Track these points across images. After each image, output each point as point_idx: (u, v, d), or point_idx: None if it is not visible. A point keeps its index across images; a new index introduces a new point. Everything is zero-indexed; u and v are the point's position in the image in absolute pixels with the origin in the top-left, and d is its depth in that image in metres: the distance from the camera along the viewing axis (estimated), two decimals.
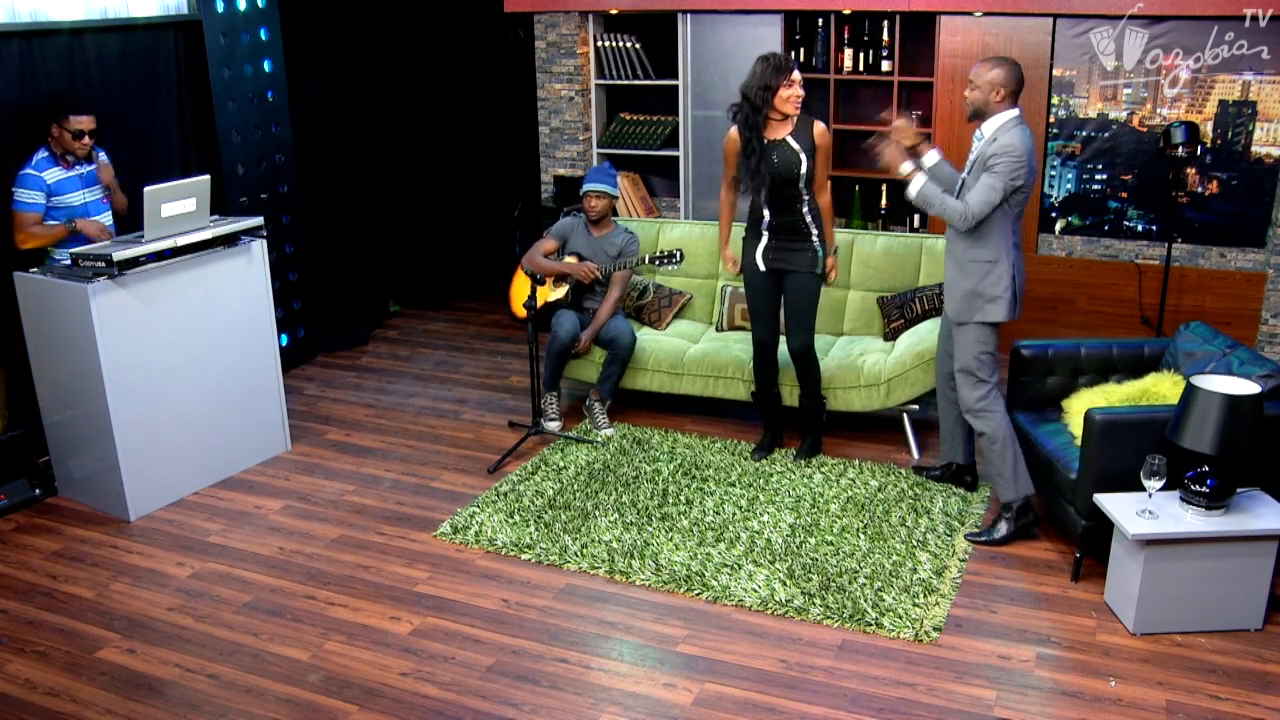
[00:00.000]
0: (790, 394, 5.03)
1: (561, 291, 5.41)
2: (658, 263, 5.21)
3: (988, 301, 4.05)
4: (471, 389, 6.03)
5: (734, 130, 4.56)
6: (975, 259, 4.05)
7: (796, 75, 4.44)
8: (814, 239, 4.60)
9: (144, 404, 4.49)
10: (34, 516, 4.60)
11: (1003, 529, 4.18)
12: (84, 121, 4.53)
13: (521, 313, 5.34)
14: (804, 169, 4.49)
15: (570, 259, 5.35)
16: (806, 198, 4.56)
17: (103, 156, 4.78)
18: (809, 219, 4.57)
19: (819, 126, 4.55)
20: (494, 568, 4.12)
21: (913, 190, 4.08)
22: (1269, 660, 3.44)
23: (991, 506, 4.43)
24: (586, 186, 5.33)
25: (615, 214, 5.54)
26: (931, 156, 4.23)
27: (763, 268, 4.68)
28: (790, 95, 4.43)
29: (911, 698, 3.30)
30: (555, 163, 6.98)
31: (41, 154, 4.56)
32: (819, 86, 6.34)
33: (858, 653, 3.53)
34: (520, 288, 5.51)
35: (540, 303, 5.28)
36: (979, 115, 4.03)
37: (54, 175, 4.56)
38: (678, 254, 5.21)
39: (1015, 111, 3.97)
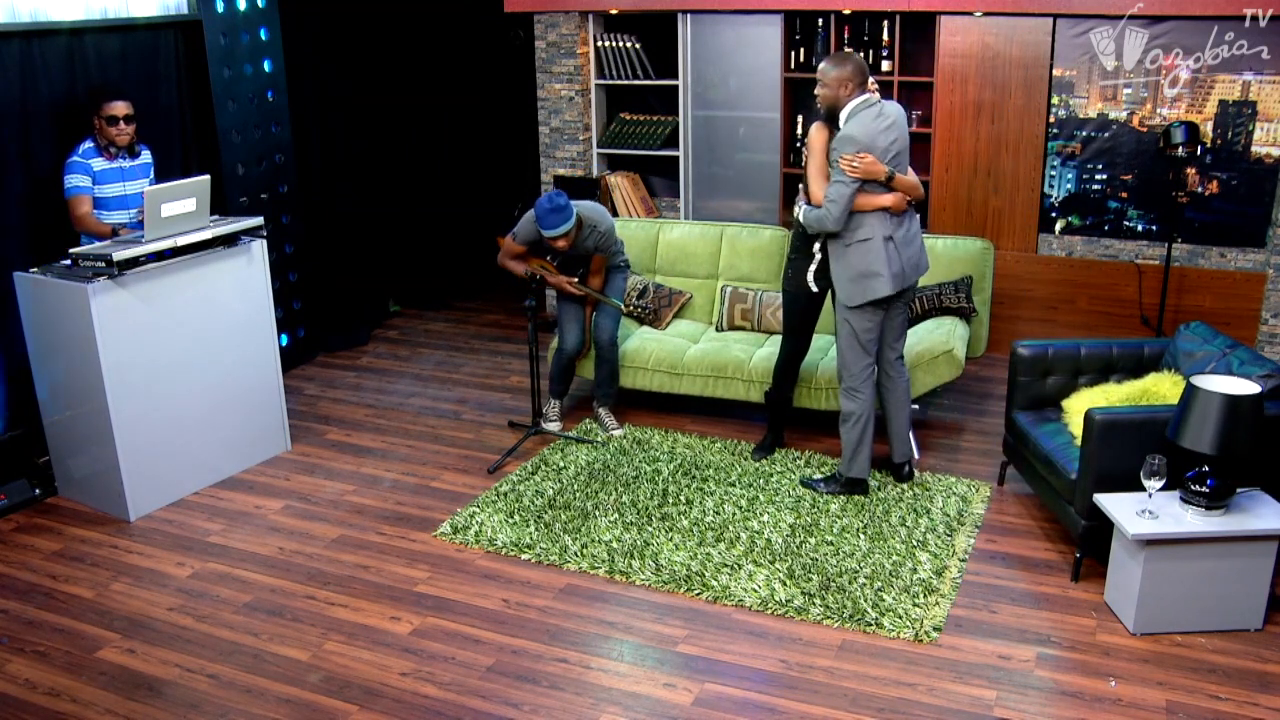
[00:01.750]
0: (802, 397, 5.00)
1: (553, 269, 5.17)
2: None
3: (873, 279, 4.22)
4: (471, 389, 6.03)
5: (819, 123, 4.37)
6: (853, 240, 4.23)
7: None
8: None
9: (144, 404, 4.49)
10: (34, 516, 4.60)
11: (832, 487, 4.57)
12: (117, 107, 4.70)
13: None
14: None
15: (548, 276, 5.14)
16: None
17: (146, 155, 4.93)
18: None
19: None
20: (494, 568, 4.12)
21: (796, 209, 4.35)
22: (1269, 660, 3.44)
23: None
24: (547, 234, 4.85)
25: (580, 225, 5.03)
26: (800, 205, 4.38)
27: (815, 289, 4.58)
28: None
29: (911, 698, 3.30)
30: (555, 163, 6.97)
31: (87, 144, 4.74)
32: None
33: (858, 653, 3.53)
34: (513, 252, 5.21)
35: (539, 273, 5.11)
36: (831, 112, 4.23)
37: (98, 164, 4.73)
38: (628, 263, 5.29)
39: (858, 99, 4.17)
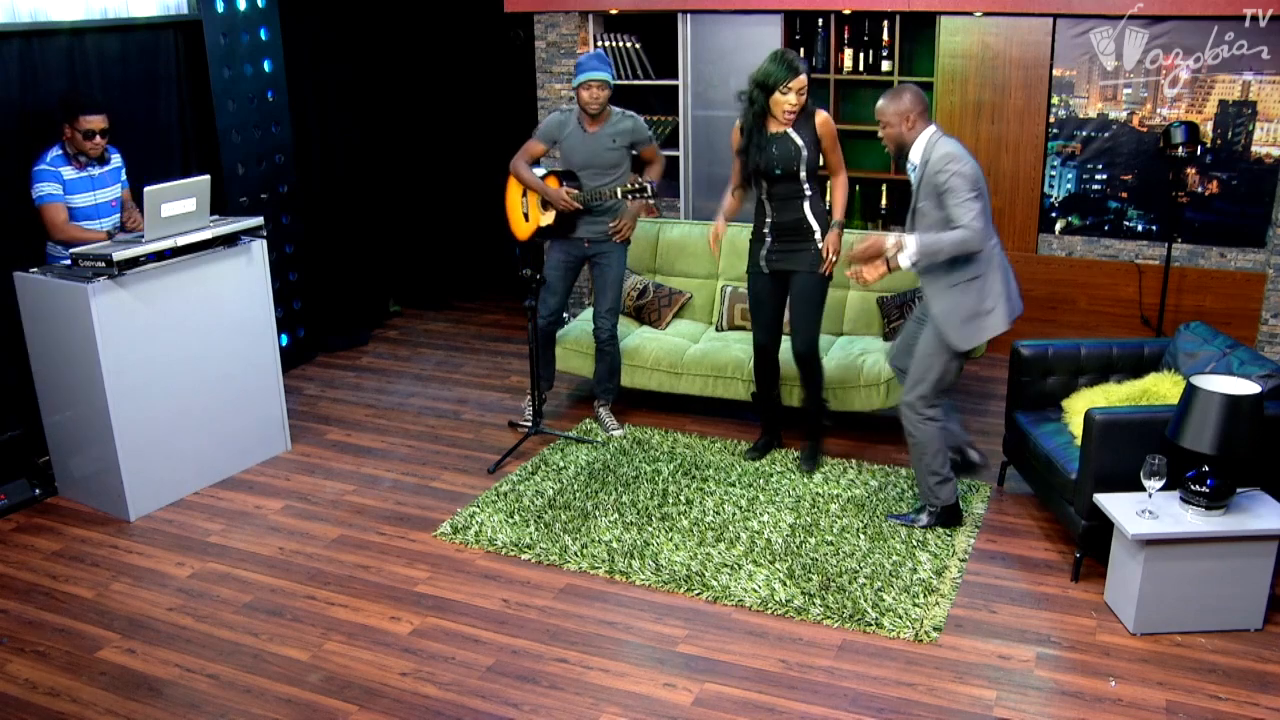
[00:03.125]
0: (789, 394, 5.02)
1: (550, 216, 5.08)
2: (631, 196, 4.91)
3: (987, 316, 3.98)
4: (471, 389, 6.03)
5: (739, 122, 4.50)
6: (963, 279, 3.96)
7: (798, 82, 4.31)
8: (816, 238, 4.53)
9: (144, 404, 4.49)
10: (34, 516, 4.60)
11: (924, 519, 4.28)
12: (95, 121, 4.54)
13: (523, 234, 5.16)
14: (804, 162, 4.41)
15: (552, 181, 5.01)
16: (809, 194, 4.48)
17: (116, 159, 4.81)
18: (811, 218, 4.51)
19: (820, 116, 4.45)
20: (494, 568, 4.12)
21: (906, 260, 3.92)
22: (1269, 660, 3.44)
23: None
24: (582, 76, 4.78)
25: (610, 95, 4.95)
26: (911, 242, 3.94)
27: (766, 269, 4.63)
28: (785, 102, 4.33)
29: (911, 698, 3.30)
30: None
31: (55, 151, 4.58)
32: (819, 86, 6.33)
33: (858, 653, 3.53)
34: (515, 202, 5.22)
35: (531, 229, 5.08)
36: (902, 149, 4.02)
37: (68, 173, 4.58)
38: (649, 186, 4.88)
39: (932, 128, 3.97)
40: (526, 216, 5.18)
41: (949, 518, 4.26)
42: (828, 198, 4.74)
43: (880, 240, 3.99)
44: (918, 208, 4.02)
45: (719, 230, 4.74)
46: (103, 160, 4.70)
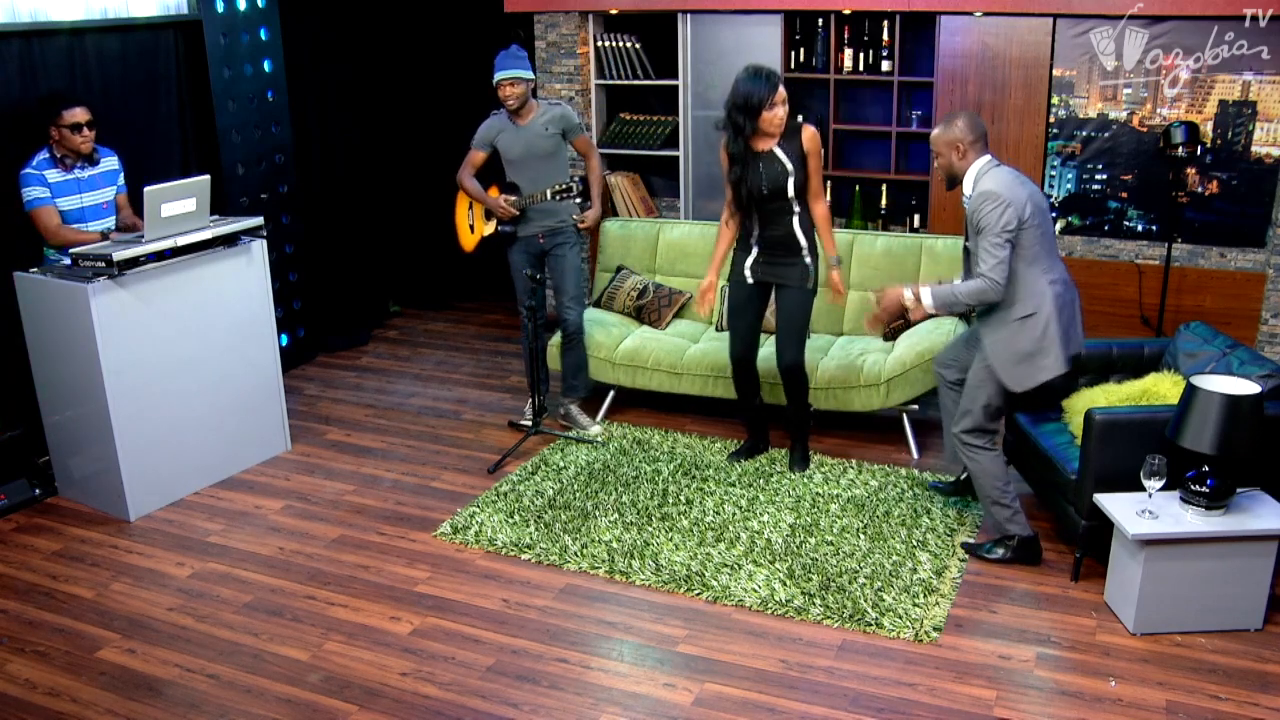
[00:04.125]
0: (770, 392, 4.98)
1: (492, 226, 5.22)
2: (559, 196, 4.97)
3: (1042, 357, 3.77)
4: (471, 389, 6.03)
5: (725, 148, 4.44)
6: (1013, 318, 3.77)
7: (780, 94, 4.28)
8: (804, 253, 4.48)
9: (144, 404, 4.49)
10: (34, 516, 4.60)
11: (999, 553, 4.03)
12: (77, 114, 4.50)
13: (469, 245, 5.31)
14: (792, 180, 4.36)
15: (493, 191, 5.12)
16: (797, 210, 4.45)
17: (110, 160, 4.77)
18: (799, 233, 4.47)
19: (807, 131, 4.41)
20: (494, 568, 4.12)
21: (930, 305, 3.84)
22: (1269, 660, 3.44)
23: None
24: (497, 76, 4.90)
25: (535, 95, 5.10)
26: (926, 294, 3.88)
27: (750, 280, 4.58)
28: (774, 117, 4.28)
29: (911, 698, 3.30)
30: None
31: (42, 155, 4.56)
32: (819, 86, 6.34)
33: (858, 653, 3.53)
34: (462, 215, 5.35)
35: (476, 240, 5.26)
36: (953, 179, 3.88)
37: (53, 177, 4.55)
38: (574, 185, 4.95)
39: (985, 158, 3.81)
40: (472, 228, 5.32)
41: (1026, 553, 3.98)
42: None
43: (897, 295, 3.91)
44: (967, 246, 3.90)
45: (707, 287, 4.62)
46: (92, 161, 4.66)
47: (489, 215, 5.24)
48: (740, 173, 4.40)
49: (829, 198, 6.48)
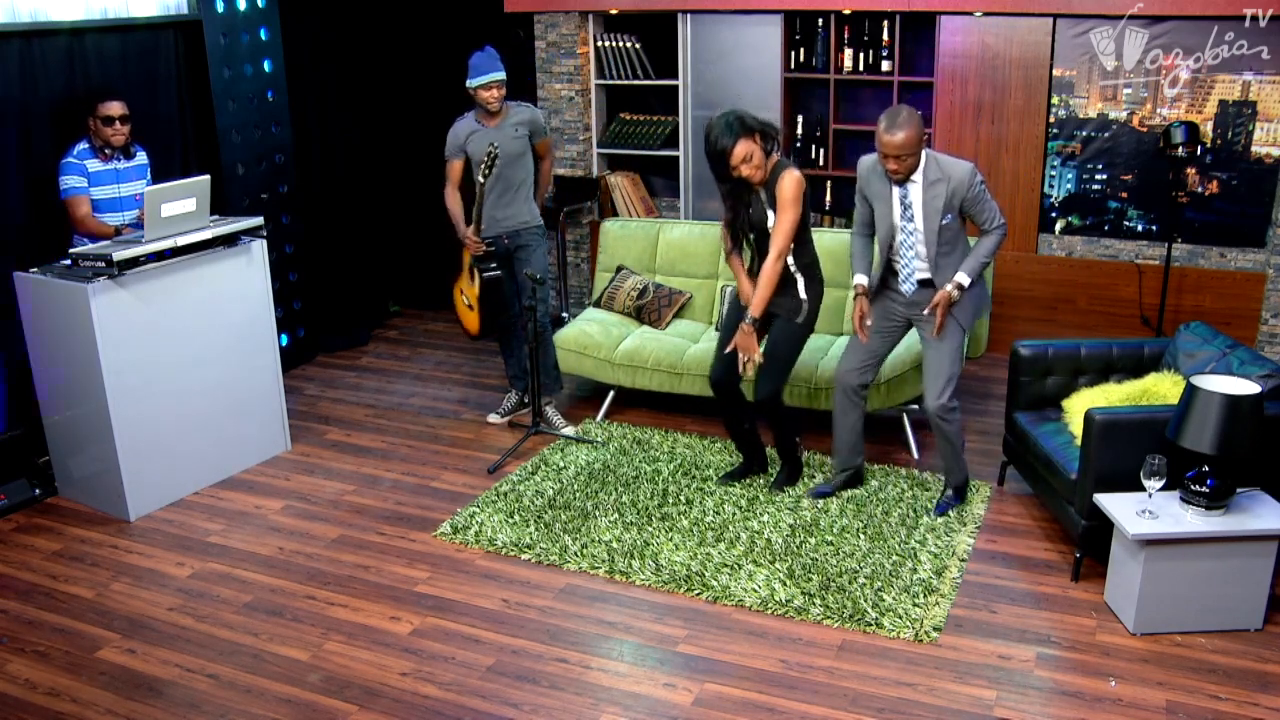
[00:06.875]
0: (803, 398, 4.99)
1: (477, 285, 5.13)
2: (484, 174, 4.86)
3: (981, 285, 4.20)
4: (471, 389, 6.03)
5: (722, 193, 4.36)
6: (961, 243, 4.14)
7: (742, 146, 4.07)
8: (799, 287, 4.36)
9: (144, 404, 4.49)
10: (34, 516, 4.60)
11: (957, 499, 4.45)
12: (112, 107, 4.68)
13: (474, 326, 5.22)
14: (771, 223, 4.26)
15: (461, 226, 5.07)
16: (791, 247, 4.30)
17: (142, 156, 4.92)
18: (793, 268, 4.35)
19: (785, 179, 4.17)
20: (494, 568, 4.12)
21: (967, 282, 4.10)
22: (1269, 660, 3.44)
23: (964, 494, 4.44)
24: (484, 78, 4.86)
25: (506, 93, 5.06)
26: (962, 277, 4.10)
27: (743, 302, 4.45)
28: (737, 165, 4.12)
29: (911, 698, 3.30)
30: (555, 162, 6.98)
31: (81, 144, 4.72)
32: (819, 86, 6.34)
33: (858, 653, 3.53)
34: (458, 300, 5.32)
35: (477, 317, 5.17)
36: (910, 173, 4.02)
37: (93, 166, 4.71)
38: (489, 154, 4.81)
39: (926, 149, 4.04)
40: (471, 307, 5.22)
41: (965, 489, 4.49)
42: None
43: (945, 298, 4.10)
44: (943, 225, 4.05)
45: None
46: (128, 154, 4.83)
47: (472, 277, 5.13)
48: (733, 209, 4.33)
49: (829, 198, 6.49)
